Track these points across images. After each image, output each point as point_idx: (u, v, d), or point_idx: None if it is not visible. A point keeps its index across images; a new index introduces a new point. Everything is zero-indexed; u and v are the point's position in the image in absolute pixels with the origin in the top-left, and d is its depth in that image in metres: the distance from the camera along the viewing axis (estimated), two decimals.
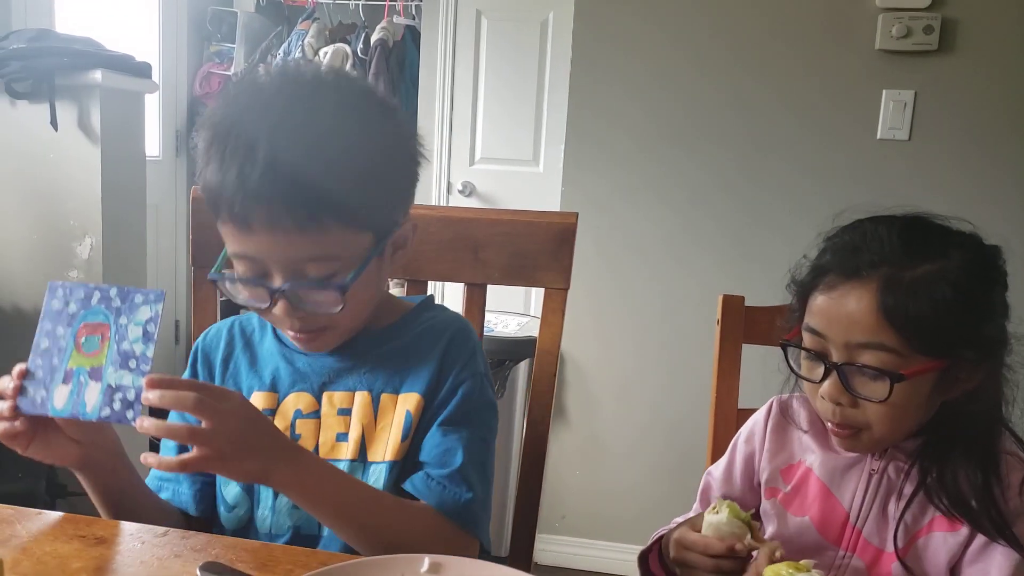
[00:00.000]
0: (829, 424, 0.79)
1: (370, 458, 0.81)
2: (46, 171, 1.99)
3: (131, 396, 0.68)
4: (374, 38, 3.01)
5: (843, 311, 0.74)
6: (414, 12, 3.12)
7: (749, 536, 0.74)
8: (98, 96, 1.94)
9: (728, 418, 1.06)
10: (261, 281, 0.76)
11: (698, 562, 0.77)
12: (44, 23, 2.35)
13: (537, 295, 2.78)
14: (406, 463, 0.81)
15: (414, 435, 0.81)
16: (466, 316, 1.05)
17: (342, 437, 0.82)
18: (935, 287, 0.72)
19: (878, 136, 1.94)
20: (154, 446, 0.85)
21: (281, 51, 3.14)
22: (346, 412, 0.82)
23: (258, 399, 0.84)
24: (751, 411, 0.95)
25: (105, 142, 1.97)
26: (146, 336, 0.70)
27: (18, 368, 0.72)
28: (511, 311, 2.41)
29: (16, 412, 0.70)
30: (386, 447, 0.81)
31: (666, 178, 2.05)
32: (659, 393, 2.12)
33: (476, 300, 1.05)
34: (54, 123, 1.89)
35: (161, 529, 0.74)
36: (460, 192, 2.95)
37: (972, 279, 0.74)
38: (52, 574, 0.66)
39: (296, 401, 0.83)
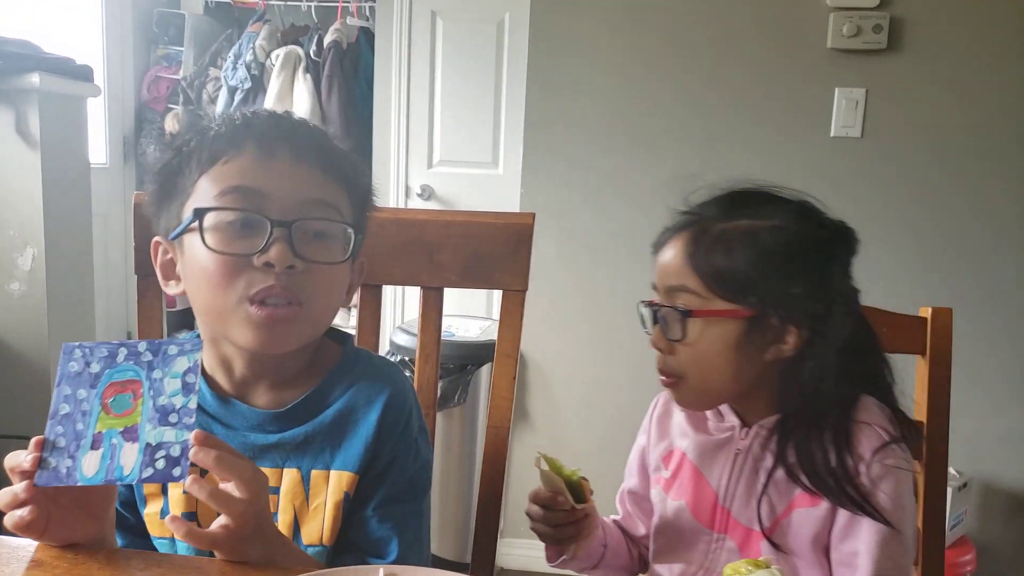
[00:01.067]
0: (661, 376, 0.84)
1: (305, 540, 0.77)
2: None
3: (175, 452, 0.64)
4: (327, 40, 2.96)
5: (663, 260, 0.83)
6: (368, 13, 3.07)
7: (567, 491, 0.79)
8: (36, 100, 1.86)
9: None
10: (263, 213, 0.72)
11: (533, 512, 0.83)
12: None
13: (498, 299, 2.76)
14: (338, 542, 0.78)
15: (349, 514, 0.78)
16: (423, 320, 1.03)
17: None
18: (740, 239, 0.78)
19: (831, 134, 1.98)
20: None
21: (231, 54, 3.06)
22: (274, 491, 0.77)
23: None
24: None
25: (45, 148, 1.89)
26: (186, 388, 0.66)
27: (35, 440, 0.65)
28: (472, 315, 2.39)
29: (31, 494, 0.63)
30: (321, 530, 0.77)
31: (625, 177, 2.05)
32: (622, 395, 2.12)
33: (433, 303, 1.03)
34: None
35: (102, 551, 0.70)
36: (419, 196, 2.91)
37: (787, 242, 0.79)
38: None
39: None
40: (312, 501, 0.77)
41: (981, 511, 1.99)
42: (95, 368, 0.67)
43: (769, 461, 0.80)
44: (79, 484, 0.64)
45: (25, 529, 0.65)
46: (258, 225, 0.72)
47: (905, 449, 0.80)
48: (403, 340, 2.06)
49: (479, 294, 2.60)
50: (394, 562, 0.76)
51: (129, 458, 0.64)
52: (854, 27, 1.92)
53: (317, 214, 0.74)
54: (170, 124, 3.19)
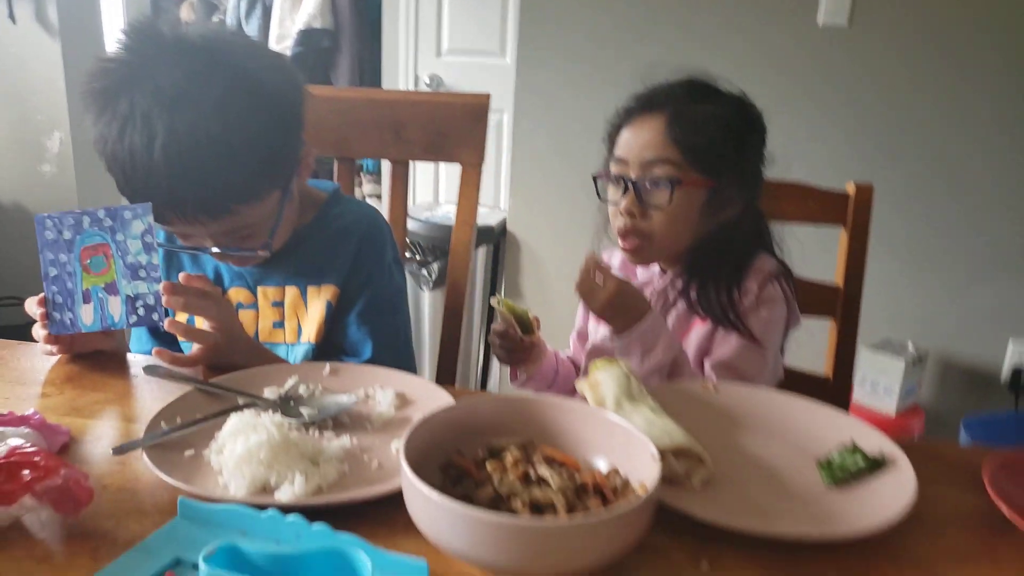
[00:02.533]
0: (621, 242, 0.97)
1: (303, 339, 0.98)
2: (9, 66, 2.03)
3: (151, 301, 0.81)
4: None
5: (641, 136, 0.95)
6: None
7: (518, 327, 0.96)
8: None
9: None
10: (193, 248, 0.90)
11: (492, 340, 1.01)
12: None
13: (493, 186, 2.86)
14: (323, 344, 0.97)
15: (333, 320, 0.97)
16: (392, 191, 1.17)
17: (278, 324, 0.98)
18: (709, 121, 0.92)
19: (820, 22, 1.98)
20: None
21: None
22: (279, 304, 0.98)
23: None
24: None
25: (64, 36, 2.01)
26: (147, 247, 0.80)
27: (37, 297, 0.83)
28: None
29: (52, 339, 0.83)
30: (311, 331, 0.97)
31: (618, 66, 2.10)
32: None
33: (400, 175, 1.16)
34: (12, 16, 1.92)
35: (117, 357, 0.89)
36: (427, 85, 2.97)
37: (737, 123, 0.93)
38: (31, 383, 0.82)
39: (236, 295, 0.98)
40: (309, 309, 0.97)
41: (937, 384, 2.14)
42: (67, 235, 0.81)
43: (673, 296, 0.98)
44: (82, 332, 0.83)
45: (57, 352, 0.86)
46: (195, 251, 0.92)
47: (784, 287, 0.96)
48: (411, 225, 2.21)
49: (486, 183, 2.71)
50: (368, 361, 0.95)
51: (115, 308, 0.82)
52: None
53: (232, 235, 0.87)
54: (185, 13, 3.25)
